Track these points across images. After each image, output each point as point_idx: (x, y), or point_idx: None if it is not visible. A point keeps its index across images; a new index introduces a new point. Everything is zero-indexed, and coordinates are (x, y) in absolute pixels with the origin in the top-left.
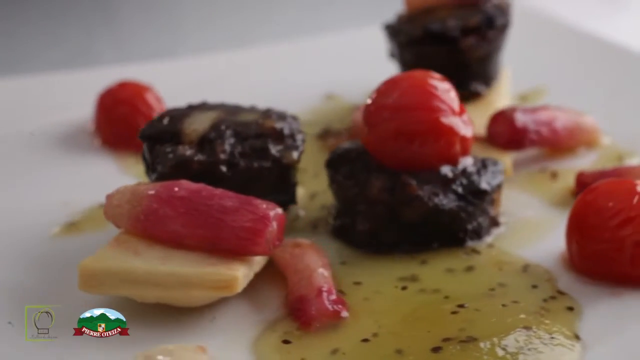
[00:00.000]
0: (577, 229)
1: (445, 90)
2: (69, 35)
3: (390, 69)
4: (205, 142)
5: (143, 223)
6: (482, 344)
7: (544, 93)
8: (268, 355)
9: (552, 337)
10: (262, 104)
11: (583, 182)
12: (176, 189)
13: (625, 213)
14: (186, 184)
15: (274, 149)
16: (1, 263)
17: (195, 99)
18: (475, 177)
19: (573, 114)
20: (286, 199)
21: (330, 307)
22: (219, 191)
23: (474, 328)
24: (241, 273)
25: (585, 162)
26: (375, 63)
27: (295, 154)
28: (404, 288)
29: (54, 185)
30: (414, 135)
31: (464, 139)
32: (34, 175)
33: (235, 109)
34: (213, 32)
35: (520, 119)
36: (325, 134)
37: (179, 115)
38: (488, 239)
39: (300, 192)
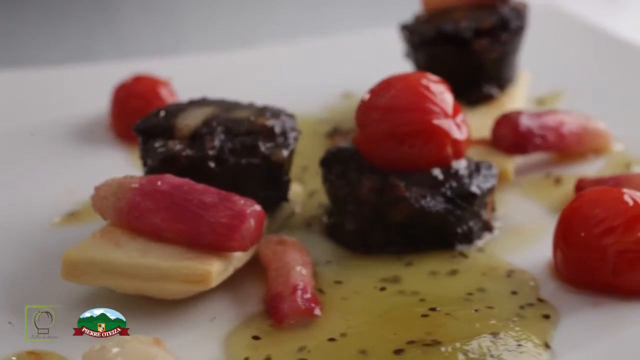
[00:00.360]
0: (562, 237)
1: (439, 92)
2: (68, 35)
3: (406, 69)
4: (196, 138)
5: (126, 216)
6: (444, 348)
7: (562, 96)
8: (237, 350)
9: (519, 345)
10: (278, 101)
11: (582, 189)
12: (159, 183)
13: (608, 222)
14: (170, 178)
15: (263, 147)
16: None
17: (210, 95)
18: (466, 180)
19: (583, 118)
20: (277, 196)
21: (303, 305)
22: (200, 186)
23: (441, 332)
24: (215, 268)
25: (592, 168)
26: (395, 63)
27: (284, 152)
28: (382, 289)
29: (64, 175)
30: (404, 137)
31: (456, 142)
32: (46, 165)
33: (231, 106)
34: (213, 31)
35: (525, 123)
36: (333, 133)
37: (174, 111)
38: (479, 243)
39: (299, 189)
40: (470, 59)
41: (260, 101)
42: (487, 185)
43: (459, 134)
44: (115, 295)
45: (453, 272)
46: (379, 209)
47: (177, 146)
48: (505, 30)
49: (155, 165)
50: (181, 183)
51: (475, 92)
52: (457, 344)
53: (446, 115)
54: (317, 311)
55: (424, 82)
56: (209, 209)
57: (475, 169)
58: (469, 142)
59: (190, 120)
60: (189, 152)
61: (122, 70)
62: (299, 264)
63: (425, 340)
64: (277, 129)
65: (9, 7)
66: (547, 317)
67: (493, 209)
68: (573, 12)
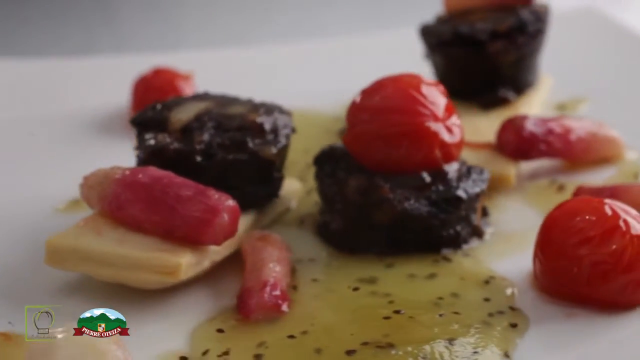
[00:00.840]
0: (540, 245)
1: (430, 94)
2: (68, 35)
3: (425, 70)
4: (187, 132)
5: (109, 205)
6: (395, 351)
7: (585, 102)
8: (200, 342)
9: (475, 352)
10: (296, 98)
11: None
12: (140, 175)
13: (585, 232)
14: (152, 170)
15: (252, 143)
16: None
17: (230, 91)
18: (453, 184)
19: (594, 125)
20: (267, 192)
21: (269, 301)
22: (179, 180)
23: (398, 335)
24: (186, 261)
25: (600, 177)
26: (414, 64)
27: (273, 149)
28: (355, 289)
29: (78, 163)
30: (391, 138)
31: (445, 145)
32: (62, 153)
33: (229, 101)
34: (236, 27)
35: (529, 128)
36: (344, 132)
37: (171, 104)
38: (467, 248)
39: (297, 186)
40: (486, 62)
41: (278, 99)
42: (475, 190)
43: (448, 137)
44: (96, 284)
45: (431, 276)
46: (364, 210)
47: (166, 139)
48: (523, 34)
49: (145, 157)
50: (161, 176)
51: (490, 95)
52: (410, 348)
53: (436, 118)
54: (285, 307)
55: (416, 84)
56: (184, 203)
57: (466, 173)
58: (462, 145)
59: (183, 115)
60: (176, 145)
61: (145, 63)
62: (274, 260)
63: (380, 342)
64: (267, 126)
65: (8, 7)
66: (514, 325)
67: (486, 214)
68: (609, 14)
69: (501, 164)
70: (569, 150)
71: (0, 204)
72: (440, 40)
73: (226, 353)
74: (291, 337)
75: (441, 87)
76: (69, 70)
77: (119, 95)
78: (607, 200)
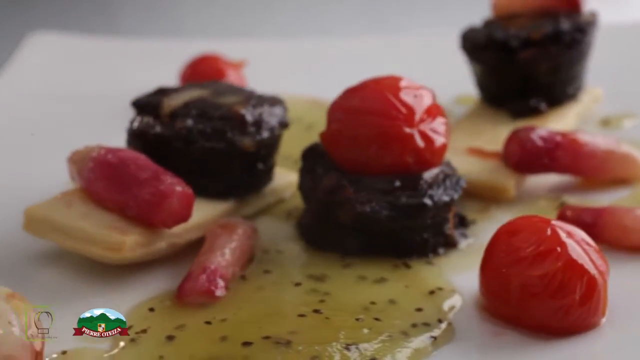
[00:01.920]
0: (482, 262)
1: (409, 98)
2: (122, 15)
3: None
4: (173, 117)
5: (82, 181)
6: (285, 347)
7: (633, 118)
8: (128, 318)
9: (372, 359)
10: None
11: (563, 217)
12: (110, 155)
13: (519, 252)
14: (123, 152)
15: (230, 133)
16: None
17: (278, 82)
18: (421, 191)
19: (613, 143)
20: (248, 183)
21: (203, 286)
22: (143, 162)
23: (302, 334)
24: (131, 240)
25: (610, 197)
26: (461, 66)
27: (248, 141)
28: (298, 284)
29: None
30: (361, 140)
31: (418, 150)
32: (96, 134)
33: (227, 91)
34: (296, 18)
35: (534, 141)
36: None
37: (170, 91)
38: (433, 257)
39: (294, 179)
40: (518, 69)
41: (320, 92)
42: (444, 198)
43: (422, 143)
44: (70, 254)
45: (381, 280)
46: (329, 208)
47: (150, 123)
48: (557, 43)
49: (128, 138)
50: (129, 157)
51: (521, 104)
52: (301, 347)
53: (410, 122)
54: (219, 292)
55: (395, 87)
56: (139, 184)
57: (441, 180)
58: (442, 150)
59: (175, 101)
60: (158, 130)
61: (203, 47)
62: (227, 248)
63: (281, 338)
64: (250, 118)
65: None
66: (433, 338)
67: (465, 224)
68: None
69: (502, 175)
70: (578, 167)
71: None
72: (474, 44)
73: (144, 331)
74: (208, 322)
75: (426, 91)
76: (123, 51)
77: (170, 79)
78: (554, 222)
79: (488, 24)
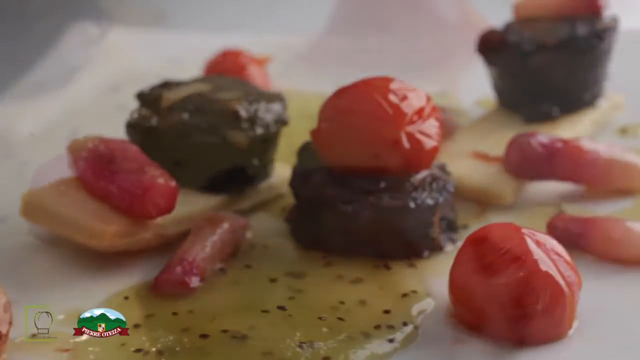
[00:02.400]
0: (451, 269)
1: (399, 100)
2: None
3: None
4: (171, 111)
5: (76, 170)
6: (239, 342)
7: None
8: (103, 305)
9: (325, 358)
10: None
11: (552, 226)
12: (102, 145)
13: (481, 260)
14: (115, 143)
15: (223, 128)
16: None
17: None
18: (406, 193)
19: (617, 152)
20: (242, 178)
21: (177, 277)
22: (132, 154)
23: (260, 329)
24: (113, 229)
25: (611, 207)
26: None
27: (241, 137)
28: (273, 280)
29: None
30: (345, 140)
31: (404, 152)
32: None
33: (227, 86)
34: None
35: (533, 146)
36: None
37: (174, 84)
38: (415, 260)
39: None
40: (531, 74)
41: None
42: (428, 202)
43: (407, 145)
44: (59, 241)
45: (356, 281)
46: (314, 206)
47: (148, 115)
48: (571, 49)
49: (126, 130)
50: (118, 148)
51: (533, 108)
52: (255, 343)
53: (396, 124)
54: (193, 284)
55: (384, 88)
56: (123, 175)
57: (428, 183)
58: (433, 152)
59: (175, 94)
60: (154, 122)
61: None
62: (206, 240)
63: (238, 332)
64: (244, 114)
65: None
66: (391, 341)
67: (453, 229)
68: None
69: (501, 180)
70: (579, 175)
71: None
72: (489, 46)
73: None
74: (175, 313)
75: (419, 93)
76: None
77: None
78: (524, 230)
79: (507, 27)
